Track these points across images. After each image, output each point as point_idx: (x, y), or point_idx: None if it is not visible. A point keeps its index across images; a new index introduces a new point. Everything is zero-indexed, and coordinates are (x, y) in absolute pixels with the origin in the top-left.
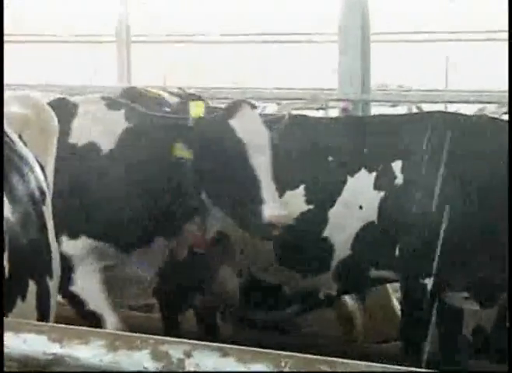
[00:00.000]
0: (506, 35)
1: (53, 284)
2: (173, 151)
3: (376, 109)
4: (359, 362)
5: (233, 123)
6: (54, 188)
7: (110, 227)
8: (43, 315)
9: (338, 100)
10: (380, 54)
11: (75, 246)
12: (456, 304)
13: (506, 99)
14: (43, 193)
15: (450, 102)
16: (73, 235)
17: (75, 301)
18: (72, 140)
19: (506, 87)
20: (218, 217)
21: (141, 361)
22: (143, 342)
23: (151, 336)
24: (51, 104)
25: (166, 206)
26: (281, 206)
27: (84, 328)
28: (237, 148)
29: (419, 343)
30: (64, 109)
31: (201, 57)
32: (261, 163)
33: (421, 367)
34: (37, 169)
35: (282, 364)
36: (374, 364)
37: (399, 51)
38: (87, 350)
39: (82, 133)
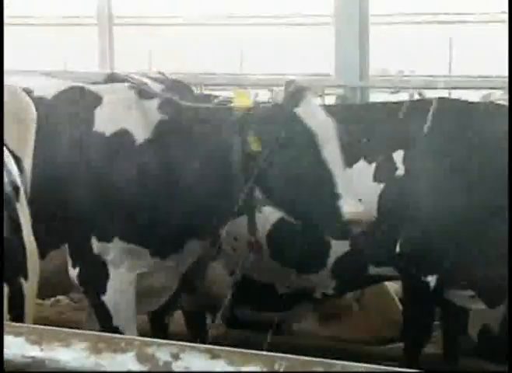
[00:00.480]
0: None
1: (28, 285)
2: (247, 145)
3: (375, 96)
4: (355, 364)
5: (300, 112)
6: (79, 182)
7: (146, 227)
8: (16, 318)
9: (335, 87)
10: (380, 37)
11: (107, 249)
12: (461, 303)
13: None
14: (16, 188)
15: (454, 88)
16: (105, 237)
17: (102, 311)
18: (99, 130)
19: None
20: (269, 217)
21: (125, 364)
22: (128, 344)
23: (136, 337)
24: (68, 92)
25: (208, 205)
26: (359, 201)
27: (65, 329)
28: (308, 139)
29: (421, 343)
30: (86, 99)
31: (188, 41)
32: (333, 155)
33: (422, 369)
34: (10, 163)
35: (276, 366)
36: (371, 365)
37: (400, 34)
38: (68, 353)
39: (110, 124)
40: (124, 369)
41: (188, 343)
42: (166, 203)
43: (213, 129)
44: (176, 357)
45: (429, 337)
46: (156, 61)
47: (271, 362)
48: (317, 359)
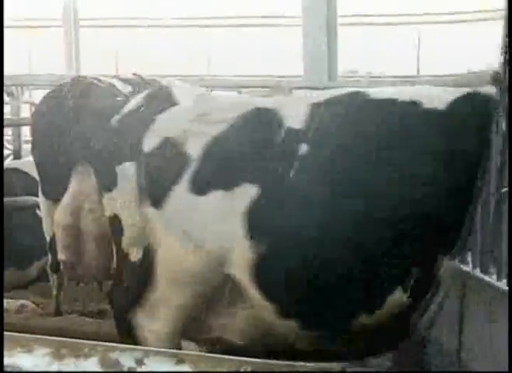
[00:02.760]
0: (481, 15)
1: None
2: None
3: None
4: (321, 364)
5: None
6: None
7: None
8: None
9: (303, 88)
10: (348, 38)
11: None
12: None
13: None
14: None
15: None
16: None
17: None
18: None
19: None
20: None
21: (89, 370)
22: (91, 349)
23: (100, 342)
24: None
25: None
26: None
27: (27, 335)
28: None
29: None
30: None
31: (155, 42)
32: None
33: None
34: None
35: (242, 370)
36: (331, 365)
37: (368, 35)
38: (31, 359)
39: None
40: None
41: (153, 348)
42: None
43: None
44: (140, 362)
45: None
46: (122, 64)
47: (237, 366)
48: (282, 362)
